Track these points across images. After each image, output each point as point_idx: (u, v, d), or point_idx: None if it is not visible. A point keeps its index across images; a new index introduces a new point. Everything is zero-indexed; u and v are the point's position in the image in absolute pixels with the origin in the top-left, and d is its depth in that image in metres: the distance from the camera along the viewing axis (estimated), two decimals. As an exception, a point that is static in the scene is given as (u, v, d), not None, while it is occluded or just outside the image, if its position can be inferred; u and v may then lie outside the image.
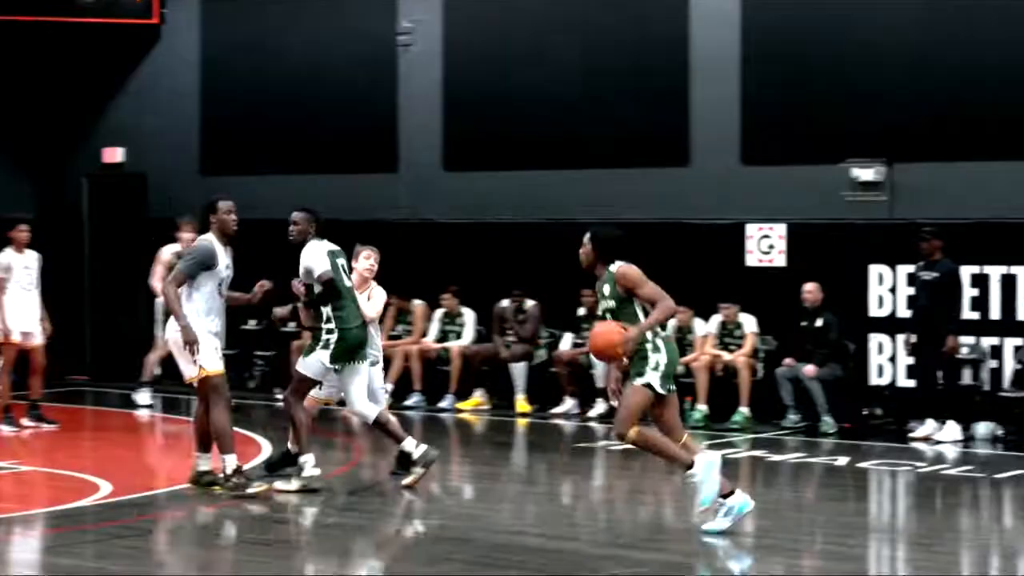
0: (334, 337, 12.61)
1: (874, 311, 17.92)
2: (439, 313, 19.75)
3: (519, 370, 19.16)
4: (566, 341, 19.20)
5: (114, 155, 22.76)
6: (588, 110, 19.51)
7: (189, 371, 12.44)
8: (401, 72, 20.76)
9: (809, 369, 17.43)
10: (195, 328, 12.20)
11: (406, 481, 13.02)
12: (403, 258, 20.15)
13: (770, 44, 18.50)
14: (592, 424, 18.03)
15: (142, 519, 11.98)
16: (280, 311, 13.53)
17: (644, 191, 19.08)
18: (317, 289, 12.61)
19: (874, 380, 17.94)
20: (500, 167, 20.05)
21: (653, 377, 11.08)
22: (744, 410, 17.79)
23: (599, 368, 18.58)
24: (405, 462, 13.17)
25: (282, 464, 13.42)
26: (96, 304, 22.98)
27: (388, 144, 20.81)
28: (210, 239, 12.51)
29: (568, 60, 19.68)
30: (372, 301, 13.39)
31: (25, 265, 16.68)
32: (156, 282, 17.95)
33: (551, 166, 19.72)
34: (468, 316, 19.63)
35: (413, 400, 19.33)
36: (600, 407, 18.42)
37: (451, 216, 20.20)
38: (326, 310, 12.65)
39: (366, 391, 12.98)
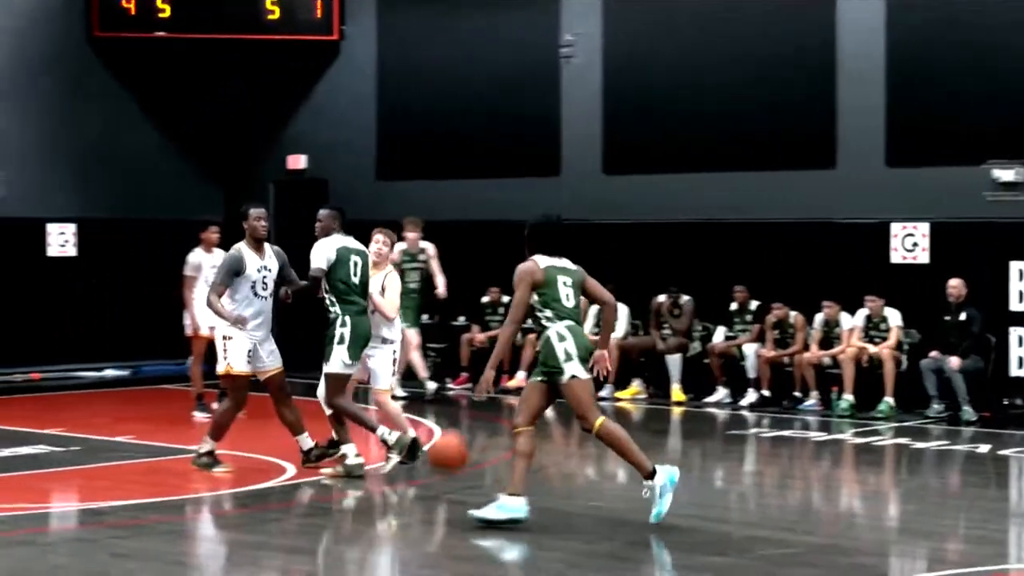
0: (347, 331, 12.66)
1: (1015, 306, 17.59)
2: (594, 310, 19.74)
3: (674, 361, 19.10)
4: (719, 334, 19.11)
5: (297, 162, 23.05)
6: (739, 115, 19.38)
7: (220, 365, 12.86)
8: (564, 82, 20.79)
9: (954, 361, 17.16)
10: (232, 327, 12.67)
11: (326, 470, 12.90)
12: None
13: (914, 49, 18.23)
14: (744, 412, 17.92)
15: (321, 500, 12.15)
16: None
17: (793, 193, 18.93)
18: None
19: (1014, 372, 17.61)
20: (656, 171, 19.99)
21: (575, 368, 10.84)
22: (889, 400, 17.56)
23: (750, 360, 18.49)
24: (332, 444, 13.09)
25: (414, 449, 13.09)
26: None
27: (551, 150, 20.85)
28: (240, 246, 12.88)
29: (719, 68, 19.57)
30: (389, 293, 13.15)
31: (213, 264, 16.90)
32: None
33: (704, 169, 19.63)
34: (622, 311, 19.58)
35: (575, 389, 19.32)
36: (751, 396, 18.33)
37: (610, 217, 20.19)
38: (335, 308, 12.73)
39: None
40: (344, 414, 12.84)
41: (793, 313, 18.39)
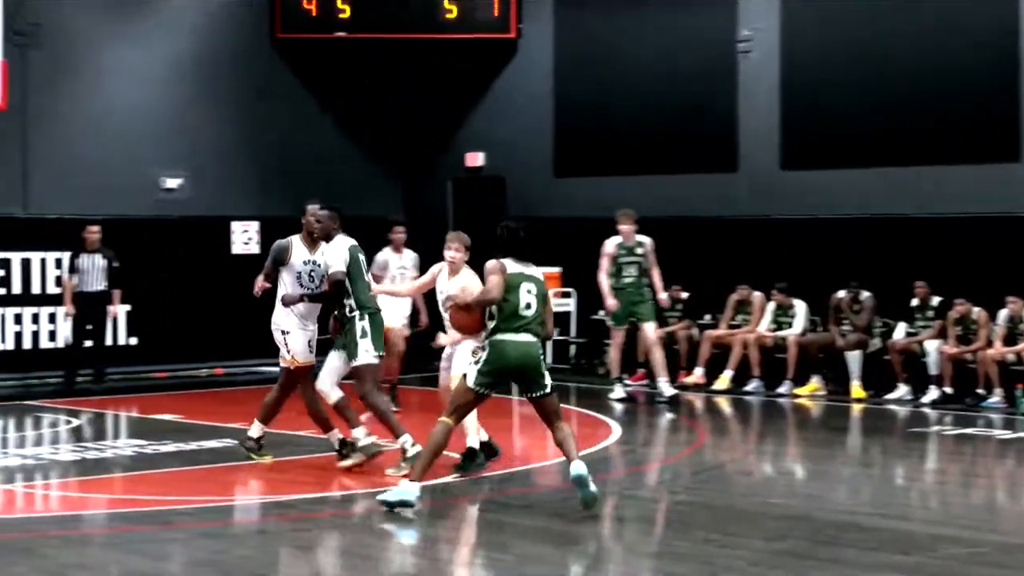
0: (367, 324, 12.76)
1: None
2: (772, 306, 19.52)
3: (854, 357, 18.78)
4: (899, 330, 18.74)
5: (476, 159, 23.13)
6: (918, 108, 19.01)
7: (283, 358, 13.07)
8: (741, 77, 20.57)
9: None
10: (288, 322, 12.96)
11: (344, 463, 12.92)
12: (742, 252, 20.03)
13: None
14: (925, 410, 17.55)
15: (507, 493, 12.14)
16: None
17: (975, 187, 18.51)
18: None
19: None
20: (835, 165, 19.70)
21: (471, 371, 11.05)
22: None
23: (931, 356, 18.11)
24: (344, 447, 13.04)
25: (471, 458, 12.98)
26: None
27: (728, 145, 20.64)
28: (292, 238, 13.07)
29: (897, 60, 19.21)
30: (457, 280, 13.01)
31: (401, 265, 17.03)
32: (602, 275, 18.20)
33: (882, 163, 19.28)
34: (799, 307, 19.33)
35: (752, 386, 19.13)
36: (933, 393, 17.95)
37: (788, 212, 19.92)
38: (349, 302, 12.79)
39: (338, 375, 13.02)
40: (373, 409, 12.95)
41: (976, 309, 17.96)
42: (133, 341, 20.68)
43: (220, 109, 22.07)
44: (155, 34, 21.62)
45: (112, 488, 12.30)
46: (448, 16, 22.29)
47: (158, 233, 21.15)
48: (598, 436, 15.05)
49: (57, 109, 20.55)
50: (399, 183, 23.82)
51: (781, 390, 18.91)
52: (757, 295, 19.65)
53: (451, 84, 23.34)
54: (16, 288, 20.00)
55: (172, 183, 21.05)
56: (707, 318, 20.23)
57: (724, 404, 18.27)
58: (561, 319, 21.45)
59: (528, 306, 11.07)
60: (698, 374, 19.44)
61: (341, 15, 22.28)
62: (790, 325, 19.35)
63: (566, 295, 21.63)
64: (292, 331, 12.99)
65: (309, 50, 22.69)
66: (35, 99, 20.07)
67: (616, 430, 15.57)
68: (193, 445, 14.12)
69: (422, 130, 23.61)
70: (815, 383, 19.02)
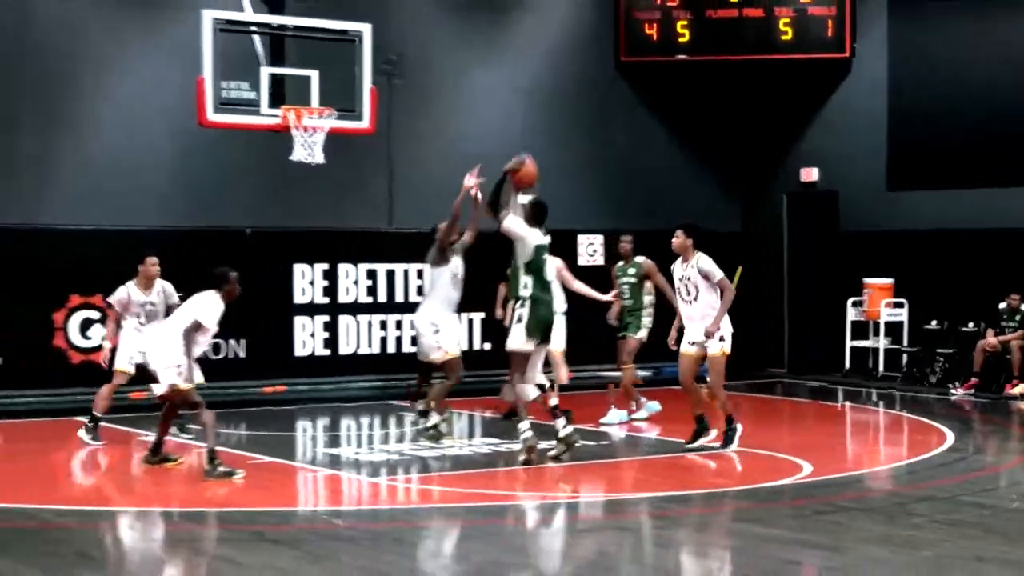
0: (526, 311, 13.08)
1: None
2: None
3: None
4: None
5: (810, 175, 22.79)
6: None
7: (436, 353, 14.59)
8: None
9: None
10: (439, 316, 14.34)
11: (552, 453, 13.15)
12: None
13: None
14: None
15: (840, 498, 11.89)
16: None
17: None
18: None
19: None
20: None
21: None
22: None
23: None
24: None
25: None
26: (793, 307, 23.07)
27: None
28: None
29: None
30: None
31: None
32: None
33: None
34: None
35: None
36: None
37: None
38: (525, 291, 13.20)
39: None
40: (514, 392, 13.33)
41: None
42: (487, 346, 20.94)
43: (567, 129, 22.30)
44: (507, 61, 22.01)
45: (469, 483, 12.51)
46: (783, 37, 22.07)
47: (507, 244, 21.41)
48: (931, 443, 14.63)
49: (418, 132, 21.09)
50: (736, 198, 23.67)
51: (1015, 391, 17.98)
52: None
53: (786, 102, 23.05)
54: (381, 296, 20.61)
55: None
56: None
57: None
58: (894, 328, 21.00)
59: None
60: (1031, 384, 18.75)
61: (681, 39, 22.35)
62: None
63: (898, 305, 21.10)
64: (442, 327, 14.14)
65: (651, 72, 22.78)
66: (399, 123, 20.63)
67: (949, 437, 15.09)
68: (543, 445, 14.25)
69: (758, 147, 23.39)
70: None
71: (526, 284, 13.04)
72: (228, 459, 12.67)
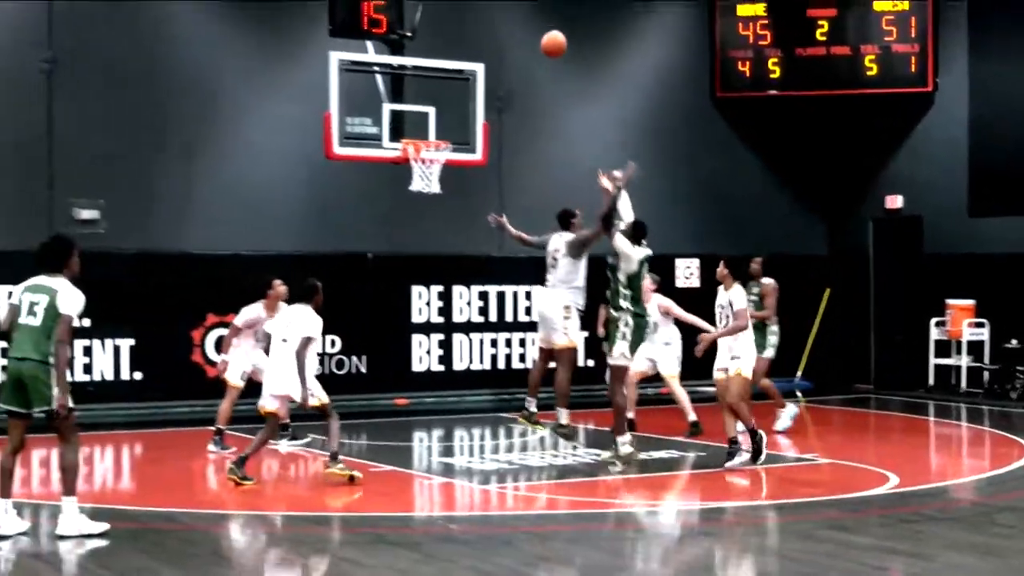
0: (629, 330, 13.05)
1: None
2: None
3: None
4: None
5: (894, 201, 22.46)
6: None
7: (561, 338, 13.46)
8: None
9: None
10: (571, 300, 13.48)
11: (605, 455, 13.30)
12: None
13: None
14: None
15: (926, 508, 11.66)
16: None
17: None
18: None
19: None
20: None
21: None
22: None
23: None
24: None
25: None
26: (879, 326, 22.74)
27: None
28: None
29: None
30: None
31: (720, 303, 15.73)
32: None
33: None
34: None
35: None
36: None
37: None
38: (626, 305, 13.12)
39: None
40: (613, 403, 13.01)
41: None
42: (591, 363, 20.86)
43: (665, 160, 22.15)
44: (609, 97, 21.95)
45: (573, 491, 12.43)
46: (869, 73, 21.83)
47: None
48: (1013, 455, 14.31)
49: (526, 163, 21.09)
50: (823, 224, 23.40)
51: None
52: None
53: (872, 133, 22.75)
54: (492, 316, 20.63)
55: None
56: None
57: None
58: (976, 347, 20.66)
59: None
60: None
61: (772, 75, 22.21)
62: None
63: (980, 325, 20.73)
64: (572, 316, 13.36)
65: (744, 107, 22.64)
66: (508, 155, 20.65)
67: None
68: (642, 455, 14.13)
69: (845, 175, 23.11)
70: None
71: (626, 297, 13.02)
72: (351, 466, 12.68)
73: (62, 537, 10.00)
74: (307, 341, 12.32)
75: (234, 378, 14.54)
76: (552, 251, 13.74)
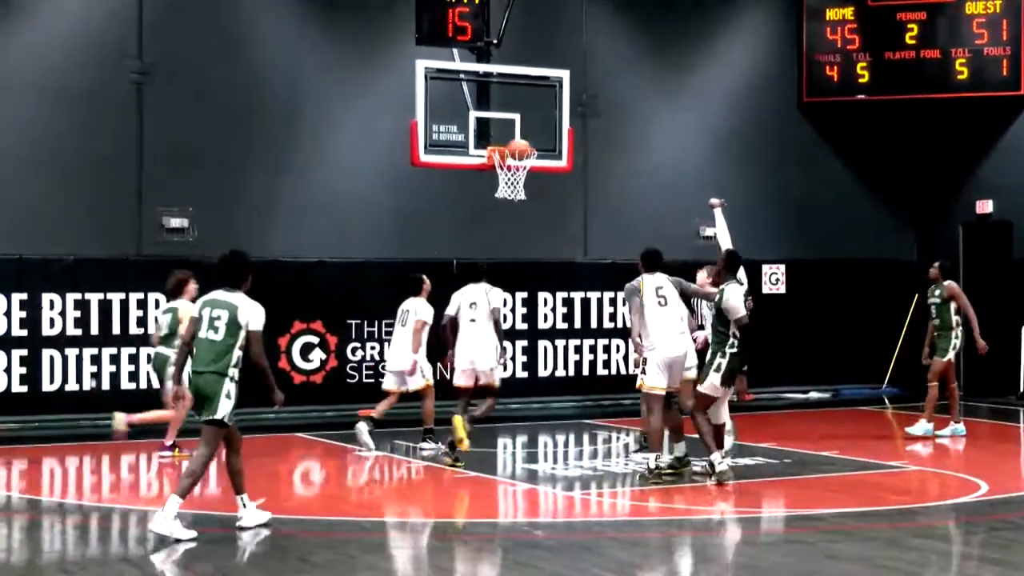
0: (725, 362, 12.64)
1: None
2: None
3: None
4: None
5: (985, 206, 22.20)
6: None
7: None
8: None
9: None
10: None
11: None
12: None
13: None
14: None
15: (1016, 516, 11.50)
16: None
17: None
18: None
19: None
20: None
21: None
22: None
23: None
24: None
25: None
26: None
27: None
28: (640, 278, 12.89)
29: None
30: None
31: None
32: None
33: None
34: None
35: None
36: None
37: None
38: (725, 336, 12.73)
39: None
40: (697, 427, 12.75)
41: None
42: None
43: (751, 166, 22.09)
44: (694, 103, 21.89)
45: (656, 497, 12.39)
46: (959, 77, 21.58)
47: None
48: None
49: (611, 169, 21.08)
50: (913, 229, 23.17)
51: None
52: None
53: (962, 137, 22.50)
54: (576, 323, 20.62)
55: (709, 231, 21.18)
56: None
57: None
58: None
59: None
60: None
61: (860, 80, 22.05)
62: None
63: (1066, 334, 20.48)
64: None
65: (831, 112, 22.47)
66: (594, 160, 20.66)
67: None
68: (729, 461, 14.04)
69: (934, 180, 22.87)
70: None
71: (733, 334, 12.70)
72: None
73: (242, 528, 10.63)
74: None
75: (429, 377, 15.25)
76: (665, 293, 13.04)
